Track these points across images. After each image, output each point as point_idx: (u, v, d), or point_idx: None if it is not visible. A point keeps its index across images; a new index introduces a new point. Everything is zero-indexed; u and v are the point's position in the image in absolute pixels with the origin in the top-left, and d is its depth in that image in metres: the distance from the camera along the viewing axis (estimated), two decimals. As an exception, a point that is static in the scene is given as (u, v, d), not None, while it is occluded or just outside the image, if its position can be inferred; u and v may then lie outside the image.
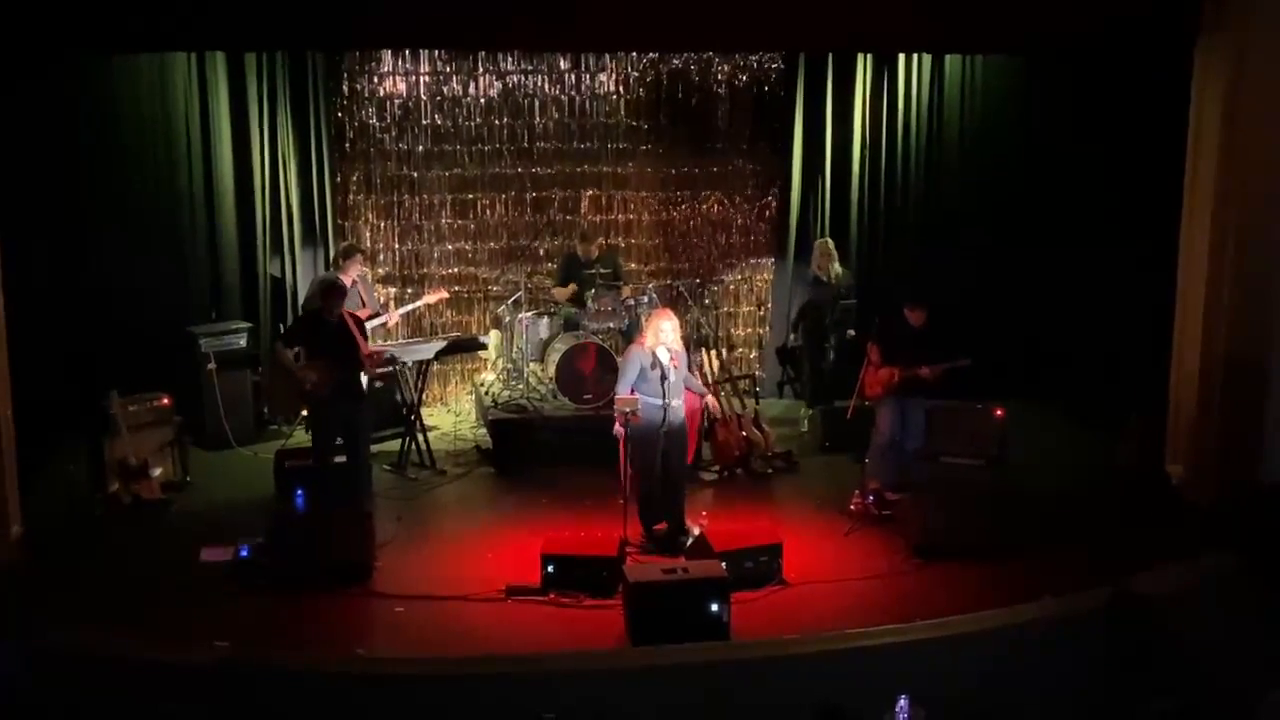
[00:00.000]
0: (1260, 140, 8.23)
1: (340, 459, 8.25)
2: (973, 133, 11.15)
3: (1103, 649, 6.49)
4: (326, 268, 10.28)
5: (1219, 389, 8.50)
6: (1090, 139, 10.43)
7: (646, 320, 8.47)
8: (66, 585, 7.23)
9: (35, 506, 8.05)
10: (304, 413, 9.06)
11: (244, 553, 7.36)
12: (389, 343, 9.91)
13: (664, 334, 7.80)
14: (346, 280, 9.29)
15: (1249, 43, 8.22)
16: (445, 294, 10.55)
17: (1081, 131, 10.53)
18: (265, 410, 10.23)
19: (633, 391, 7.77)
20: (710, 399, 8.69)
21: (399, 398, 9.81)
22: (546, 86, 11.05)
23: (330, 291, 8.29)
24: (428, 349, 9.69)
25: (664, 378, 7.75)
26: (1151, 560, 7.16)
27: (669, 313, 8.04)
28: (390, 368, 9.35)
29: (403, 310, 10.36)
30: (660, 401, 7.75)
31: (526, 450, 9.59)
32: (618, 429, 7.77)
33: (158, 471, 8.68)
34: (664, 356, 7.77)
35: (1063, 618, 6.67)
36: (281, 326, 10.32)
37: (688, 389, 8.15)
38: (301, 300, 10.21)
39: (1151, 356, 9.21)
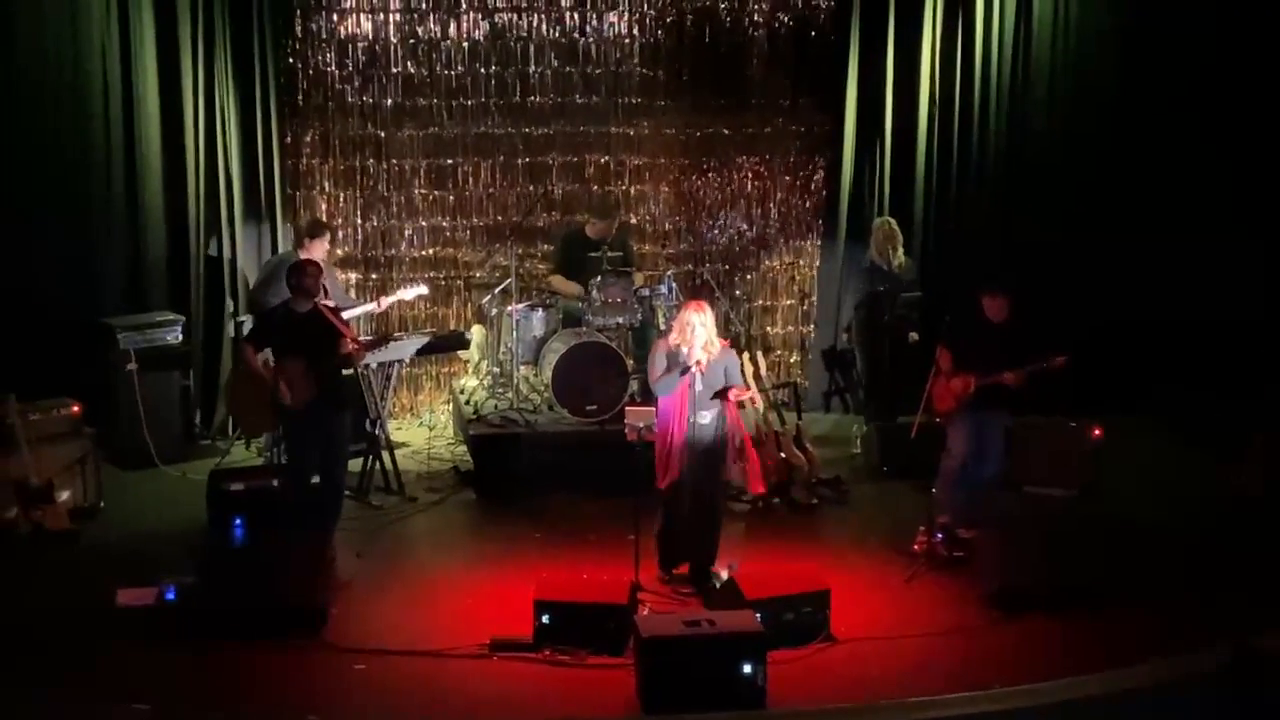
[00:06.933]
0: None
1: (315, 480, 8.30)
2: (1067, 85, 11.14)
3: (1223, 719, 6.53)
4: (273, 248, 10.30)
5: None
6: (1215, 96, 10.40)
7: (675, 313, 8.40)
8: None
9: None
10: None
11: (169, 595, 7.34)
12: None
13: (693, 332, 7.72)
14: (313, 261, 9.20)
15: None
16: (425, 290, 10.37)
17: (1203, 86, 10.48)
18: (232, 429, 10.22)
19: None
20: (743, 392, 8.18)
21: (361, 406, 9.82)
22: (544, 28, 11.08)
23: (302, 274, 8.18)
24: (404, 348, 9.64)
25: (690, 386, 7.72)
26: (1281, 613, 7.22)
27: (703, 306, 7.89)
28: (382, 347, 9.13)
29: (392, 299, 10.15)
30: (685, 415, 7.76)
31: (516, 473, 9.61)
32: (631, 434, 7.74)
33: (65, 495, 8.67)
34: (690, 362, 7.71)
35: (1174, 682, 6.69)
36: (232, 321, 10.30)
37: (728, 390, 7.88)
38: (252, 285, 10.13)
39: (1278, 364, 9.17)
